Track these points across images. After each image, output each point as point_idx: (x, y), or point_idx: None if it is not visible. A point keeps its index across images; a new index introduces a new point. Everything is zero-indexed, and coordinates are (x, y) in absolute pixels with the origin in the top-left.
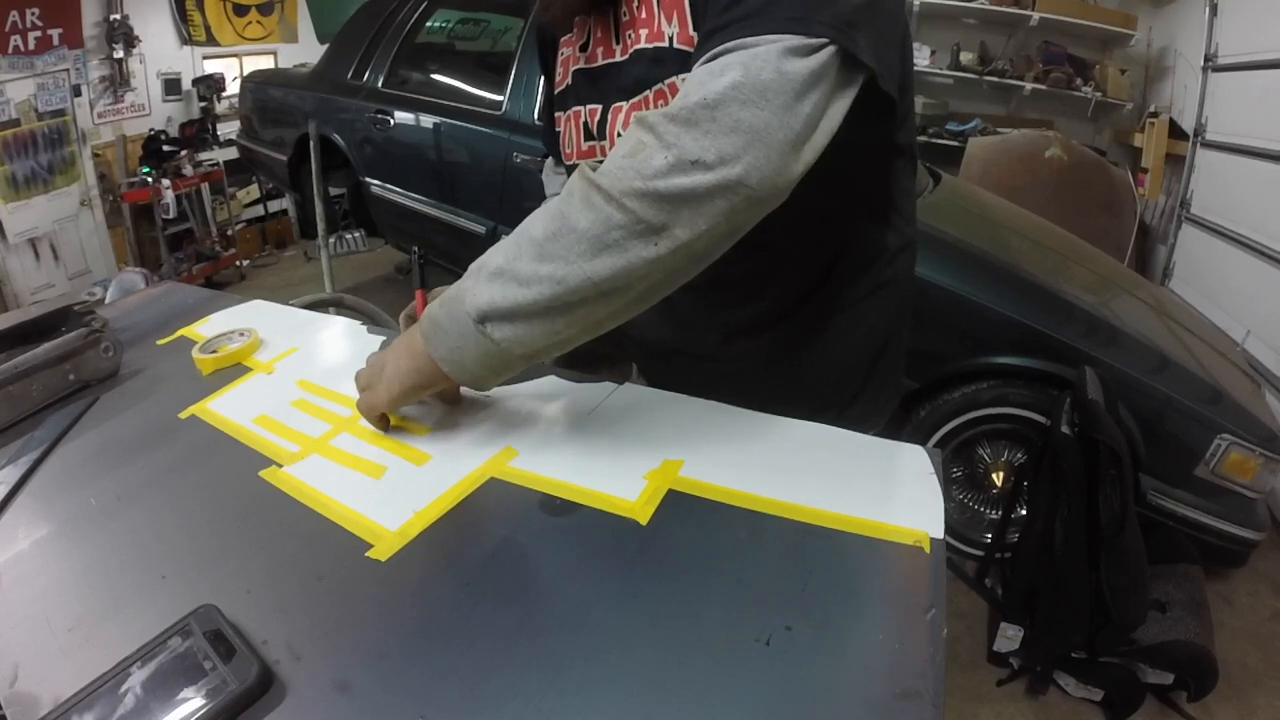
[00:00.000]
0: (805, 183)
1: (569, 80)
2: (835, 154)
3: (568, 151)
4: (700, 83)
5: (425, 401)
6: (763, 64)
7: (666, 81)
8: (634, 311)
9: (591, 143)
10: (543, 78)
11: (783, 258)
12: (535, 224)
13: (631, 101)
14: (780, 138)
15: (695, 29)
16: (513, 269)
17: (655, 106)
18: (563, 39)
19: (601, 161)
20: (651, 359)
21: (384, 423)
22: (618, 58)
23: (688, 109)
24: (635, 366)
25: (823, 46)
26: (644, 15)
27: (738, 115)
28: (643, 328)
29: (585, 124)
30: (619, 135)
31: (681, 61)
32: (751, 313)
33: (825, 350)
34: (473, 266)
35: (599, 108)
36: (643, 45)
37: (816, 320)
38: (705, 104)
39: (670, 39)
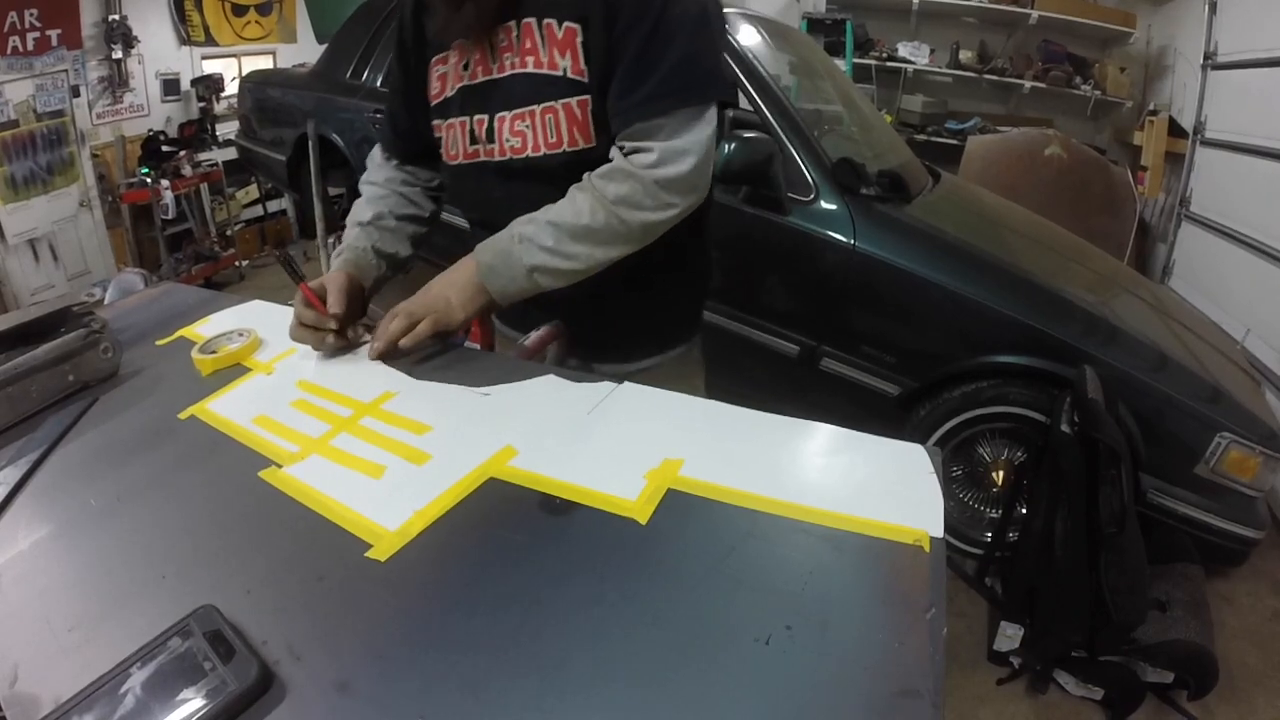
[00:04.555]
0: None
1: (450, 93)
2: None
3: (453, 153)
4: (654, 164)
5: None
6: (680, 151)
7: (561, 101)
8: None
9: (476, 146)
10: (391, 85)
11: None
12: (577, 220)
13: (515, 112)
14: (702, 185)
15: (586, 64)
16: (560, 248)
17: (544, 119)
18: (434, 58)
19: (509, 160)
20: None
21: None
22: (495, 75)
23: (661, 180)
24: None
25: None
26: (528, 45)
27: (689, 181)
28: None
29: (472, 131)
30: (506, 138)
31: (574, 87)
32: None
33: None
34: (520, 233)
35: (485, 118)
36: (529, 70)
37: (646, 276)
38: (664, 179)
39: (564, 70)
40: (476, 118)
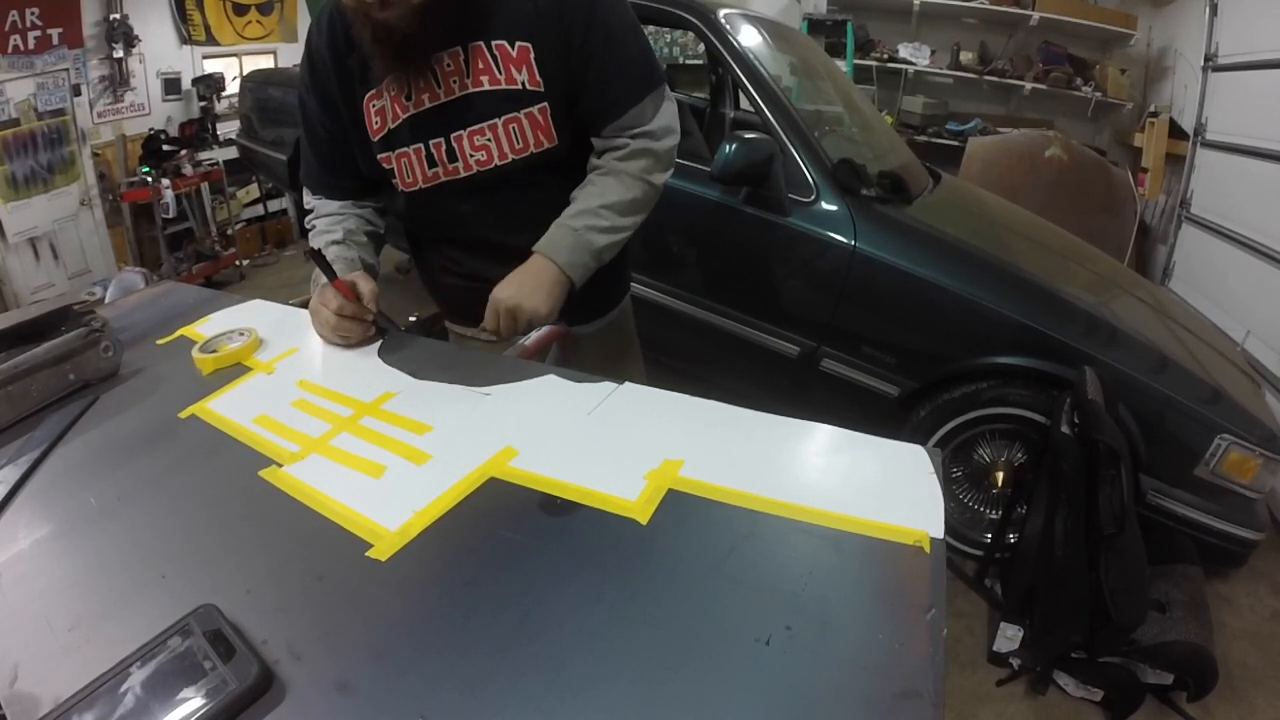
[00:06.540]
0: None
1: (394, 125)
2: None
3: (409, 180)
4: (656, 139)
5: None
6: (668, 127)
7: (524, 111)
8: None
9: (436, 169)
10: (315, 131)
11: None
12: (623, 196)
13: (473, 128)
14: (675, 150)
15: (541, 76)
16: (616, 224)
17: (507, 129)
18: (367, 96)
19: (476, 174)
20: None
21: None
22: (444, 99)
23: (665, 149)
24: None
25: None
26: (480, 66)
27: (676, 148)
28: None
29: (429, 155)
30: (469, 154)
31: (533, 97)
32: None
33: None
34: (579, 225)
35: (442, 140)
36: (486, 88)
37: None
38: (666, 148)
39: (523, 84)
40: (432, 142)
